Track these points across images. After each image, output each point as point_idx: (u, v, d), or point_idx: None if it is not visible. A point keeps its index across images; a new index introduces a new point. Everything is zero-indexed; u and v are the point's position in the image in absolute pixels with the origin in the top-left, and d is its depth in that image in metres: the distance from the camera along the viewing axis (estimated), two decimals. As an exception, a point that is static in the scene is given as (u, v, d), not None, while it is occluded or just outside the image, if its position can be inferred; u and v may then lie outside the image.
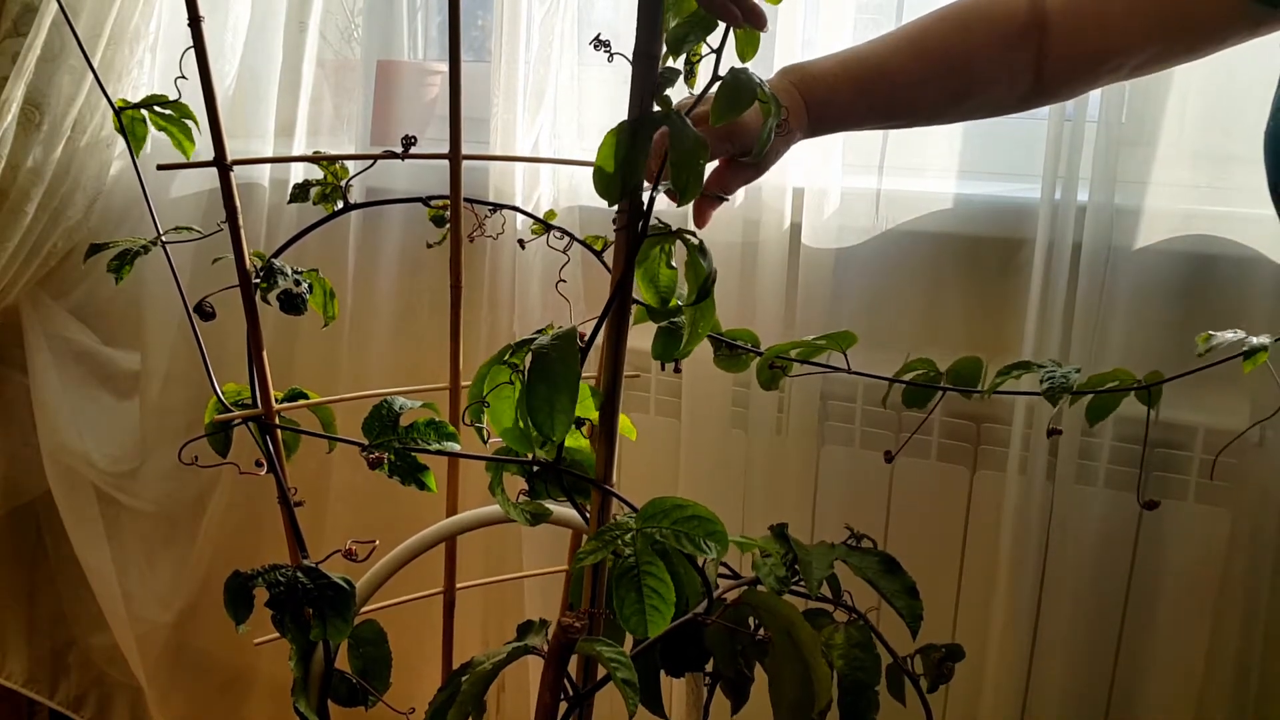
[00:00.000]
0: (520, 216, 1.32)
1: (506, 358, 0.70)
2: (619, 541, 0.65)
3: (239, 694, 1.80)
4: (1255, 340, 0.80)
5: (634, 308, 0.74)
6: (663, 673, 0.80)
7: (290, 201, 1.01)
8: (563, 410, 0.67)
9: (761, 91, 0.68)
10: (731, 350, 0.96)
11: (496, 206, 1.20)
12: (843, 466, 1.31)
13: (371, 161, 1.01)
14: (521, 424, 0.71)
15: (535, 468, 0.76)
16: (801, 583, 0.76)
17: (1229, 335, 0.82)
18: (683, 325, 0.75)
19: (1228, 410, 1.15)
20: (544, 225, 1.07)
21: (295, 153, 1.50)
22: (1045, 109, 1.21)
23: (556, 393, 0.67)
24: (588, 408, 0.74)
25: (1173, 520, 1.17)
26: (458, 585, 1.15)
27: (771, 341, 1.25)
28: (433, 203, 1.08)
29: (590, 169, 0.99)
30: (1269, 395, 1.14)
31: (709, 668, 0.80)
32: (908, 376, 0.92)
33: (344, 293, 1.54)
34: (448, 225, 1.07)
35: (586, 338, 0.70)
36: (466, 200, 1.07)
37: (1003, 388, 0.90)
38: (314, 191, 0.98)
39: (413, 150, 0.97)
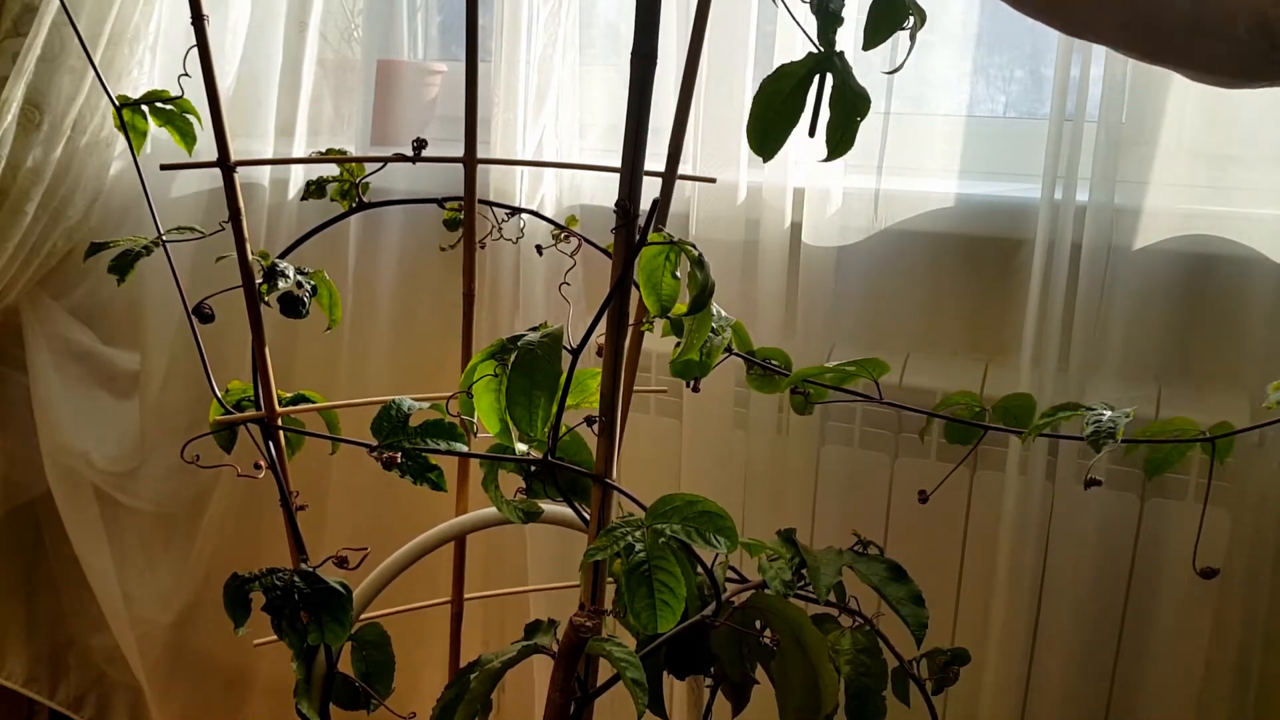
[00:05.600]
0: (522, 215, 1.32)
1: (495, 353, 0.71)
2: (630, 537, 0.65)
3: (239, 694, 1.80)
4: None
5: (661, 322, 0.74)
6: (665, 674, 0.80)
7: (303, 198, 1.00)
8: (540, 406, 0.68)
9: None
10: (765, 371, 0.94)
11: (514, 210, 1.18)
12: (843, 466, 1.31)
13: (382, 164, 0.99)
14: (503, 418, 0.71)
15: (533, 467, 0.76)
16: (807, 587, 0.76)
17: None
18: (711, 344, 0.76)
19: (1228, 410, 1.15)
20: (564, 231, 1.06)
21: (296, 153, 1.50)
22: (1046, 107, 1.21)
23: (536, 388, 0.67)
24: (589, 398, 0.75)
25: (1173, 520, 1.17)
26: (466, 596, 1.14)
27: (773, 341, 1.26)
28: (448, 204, 1.06)
29: (595, 173, 0.99)
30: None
31: (712, 670, 0.80)
32: (949, 410, 0.90)
33: (344, 294, 1.54)
34: (460, 229, 1.06)
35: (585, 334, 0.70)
36: (483, 202, 1.06)
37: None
38: (332, 188, 0.97)
39: (424, 153, 0.96)
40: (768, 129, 0.72)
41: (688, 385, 0.89)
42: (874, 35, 0.72)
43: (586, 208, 1.40)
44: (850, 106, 0.72)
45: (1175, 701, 1.20)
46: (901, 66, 0.77)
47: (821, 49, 0.72)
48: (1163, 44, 0.65)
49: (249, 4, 1.51)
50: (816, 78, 0.72)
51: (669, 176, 0.86)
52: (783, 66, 0.72)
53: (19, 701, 1.89)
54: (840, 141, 0.73)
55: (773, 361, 0.94)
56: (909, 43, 0.75)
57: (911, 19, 0.72)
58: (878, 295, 1.31)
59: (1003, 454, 1.22)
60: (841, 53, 0.72)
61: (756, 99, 0.72)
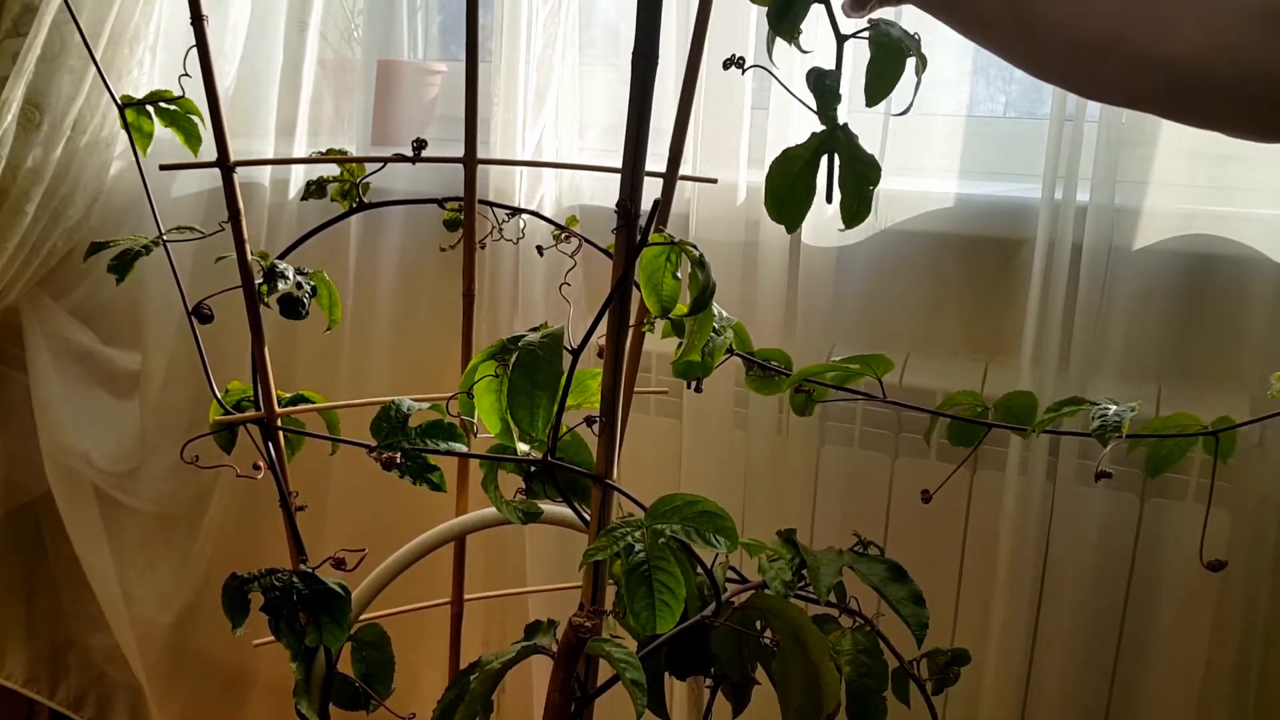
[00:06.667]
0: (522, 216, 1.32)
1: (496, 354, 0.71)
2: (629, 538, 0.65)
3: (239, 694, 1.80)
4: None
5: (661, 323, 0.74)
6: (666, 675, 0.80)
7: (305, 198, 1.00)
8: (542, 407, 0.68)
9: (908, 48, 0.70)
10: (764, 372, 0.94)
11: (515, 211, 1.18)
12: (843, 466, 1.31)
13: (382, 164, 1.00)
14: (504, 419, 0.71)
15: (533, 467, 0.76)
16: (808, 588, 0.76)
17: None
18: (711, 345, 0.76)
19: (1228, 410, 1.15)
20: (564, 231, 1.06)
21: (296, 153, 1.50)
22: (1047, 108, 1.21)
23: (537, 389, 0.68)
24: (590, 398, 0.75)
25: (1173, 520, 1.17)
26: (467, 597, 1.14)
27: (773, 342, 1.26)
28: (448, 205, 1.07)
29: (594, 173, 0.96)
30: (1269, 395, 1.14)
31: (712, 670, 0.80)
32: (952, 410, 0.90)
33: (345, 294, 1.54)
34: (460, 229, 1.06)
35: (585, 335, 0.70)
36: (483, 203, 1.06)
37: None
38: (333, 188, 0.97)
39: (424, 153, 0.96)
40: (784, 206, 0.74)
41: (689, 386, 0.88)
42: (876, 91, 0.73)
43: (586, 208, 1.40)
44: (861, 178, 0.73)
45: (1175, 701, 1.20)
46: (909, 109, 0.77)
47: (824, 125, 0.73)
48: (1205, 110, 0.65)
49: (249, 4, 1.51)
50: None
51: (670, 177, 0.86)
52: (788, 150, 0.74)
53: (19, 701, 1.89)
54: (856, 213, 0.74)
55: (773, 362, 0.94)
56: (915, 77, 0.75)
57: (913, 60, 0.73)
58: (878, 295, 1.31)
59: (1003, 454, 1.22)
60: (845, 125, 0.73)
61: (769, 179, 0.74)
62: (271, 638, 0.85)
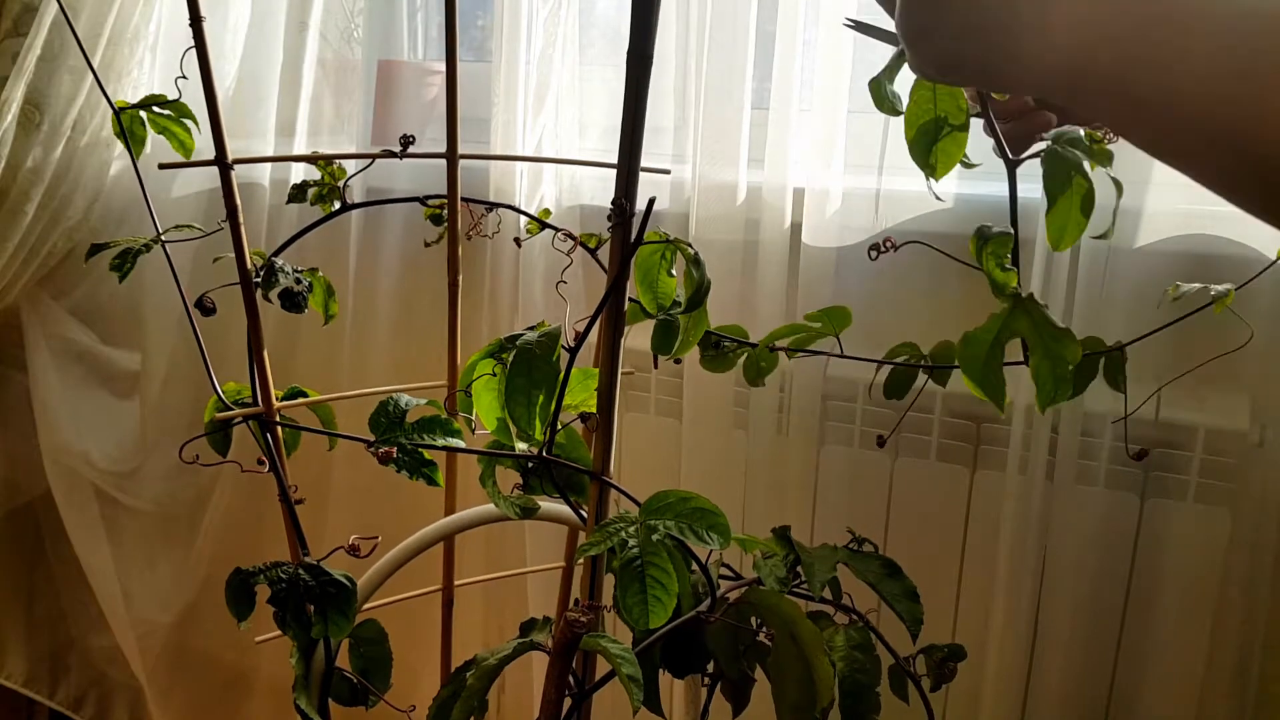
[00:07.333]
0: (522, 216, 1.33)
1: (494, 352, 0.71)
2: (623, 533, 0.66)
3: (239, 694, 1.80)
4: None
5: (632, 307, 0.74)
6: (664, 675, 0.80)
7: (288, 202, 1.01)
8: (540, 405, 0.68)
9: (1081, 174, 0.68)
10: (717, 349, 0.95)
11: (492, 205, 1.21)
12: (843, 466, 1.31)
13: (370, 161, 1.01)
14: (500, 416, 0.72)
15: (530, 463, 0.76)
16: (802, 584, 0.76)
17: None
18: (678, 320, 0.76)
19: (1228, 410, 1.15)
20: (540, 223, 1.07)
21: (296, 153, 1.51)
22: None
23: (534, 387, 0.68)
24: (588, 400, 0.75)
25: (1173, 520, 1.17)
26: (456, 582, 1.15)
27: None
28: (430, 202, 1.08)
29: (595, 174, 0.93)
30: (1269, 395, 1.14)
31: (710, 669, 0.80)
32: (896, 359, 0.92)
33: (345, 291, 1.54)
34: (445, 224, 1.08)
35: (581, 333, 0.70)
36: (463, 199, 1.08)
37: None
38: (311, 192, 0.98)
39: (412, 150, 0.98)
40: (984, 386, 0.70)
41: (663, 363, 0.88)
42: (1063, 236, 0.70)
43: (587, 208, 1.40)
44: (1056, 359, 0.67)
45: (1175, 701, 1.20)
46: (1108, 234, 0.75)
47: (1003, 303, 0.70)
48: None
49: (249, 4, 1.51)
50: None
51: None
52: (969, 334, 0.70)
53: (19, 701, 1.89)
54: (1054, 397, 0.68)
55: (729, 337, 0.95)
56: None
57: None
58: (878, 295, 1.31)
59: (1003, 454, 1.22)
60: (1030, 297, 0.68)
61: (962, 359, 0.71)
62: (273, 634, 0.85)
